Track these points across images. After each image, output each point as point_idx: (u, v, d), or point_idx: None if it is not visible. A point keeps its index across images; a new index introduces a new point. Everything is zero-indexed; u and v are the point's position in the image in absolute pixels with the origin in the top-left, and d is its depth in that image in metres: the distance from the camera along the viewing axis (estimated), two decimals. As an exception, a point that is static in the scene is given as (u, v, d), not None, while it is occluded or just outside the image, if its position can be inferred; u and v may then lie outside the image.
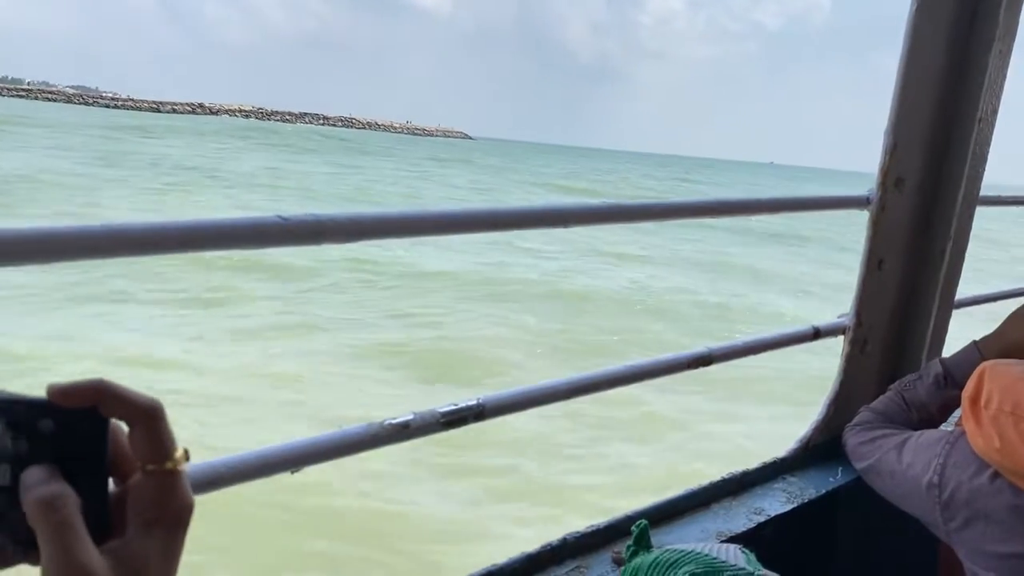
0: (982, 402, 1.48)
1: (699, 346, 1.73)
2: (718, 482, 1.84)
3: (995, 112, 2.02)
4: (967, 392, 1.53)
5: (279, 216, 1.03)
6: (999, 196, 2.43)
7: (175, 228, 0.94)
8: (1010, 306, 1.95)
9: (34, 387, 0.57)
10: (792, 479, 1.97)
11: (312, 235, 1.05)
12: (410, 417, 1.21)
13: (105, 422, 0.54)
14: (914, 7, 1.86)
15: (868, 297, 2.05)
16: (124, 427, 0.55)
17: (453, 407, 1.26)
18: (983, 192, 2.14)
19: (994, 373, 1.49)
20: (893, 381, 2.04)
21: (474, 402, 1.29)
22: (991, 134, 2.04)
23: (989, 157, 2.08)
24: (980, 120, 1.98)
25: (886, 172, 1.96)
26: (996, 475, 1.42)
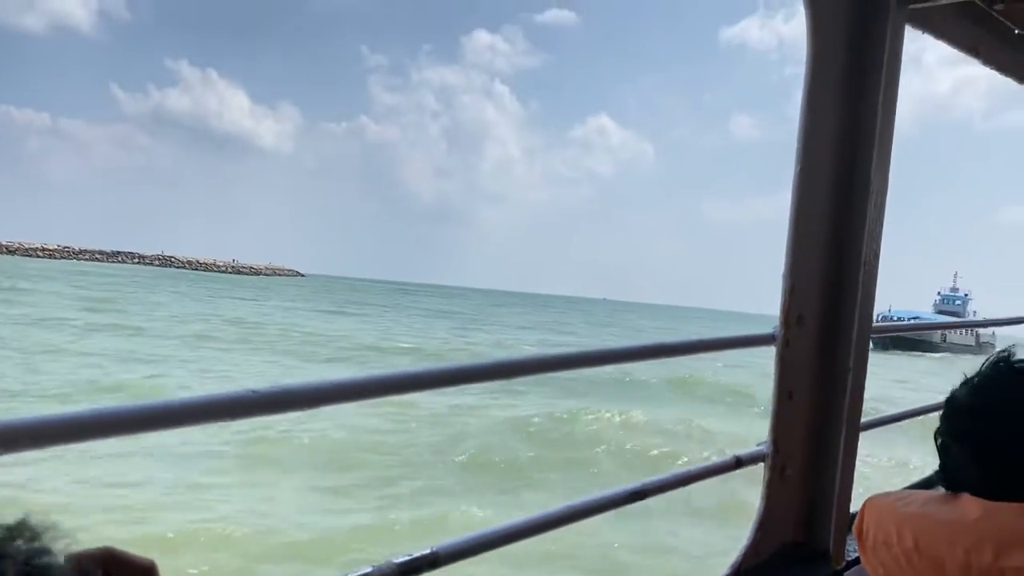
0: (864, 536, 1.62)
1: (634, 482, 1.84)
2: None
3: (877, 255, 2.28)
4: (855, 527, 1.66)
5: (250, 389, 1.13)
6: (891, 323, 2.68)
7: (157, 408, 1.03)
8: (910, 426, 2.14)
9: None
10: None
11: (281, 404, 1.15)
12: (368, 570, 1.27)
13: None
14: (798, 167, 2.13)
15: (782, 425, 2.22)
16: None
17: (408, 557, 1.33)
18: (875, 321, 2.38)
19: (871, 506, 1.63)
20: (811, 504, 2.18)
21: (428, 551, 1.36)
22: (876, 273, 2.30)
23: (879, 292, 2.32)
24: (865, 263, 2.23)
25: (788, 311, 2.18)
26: None
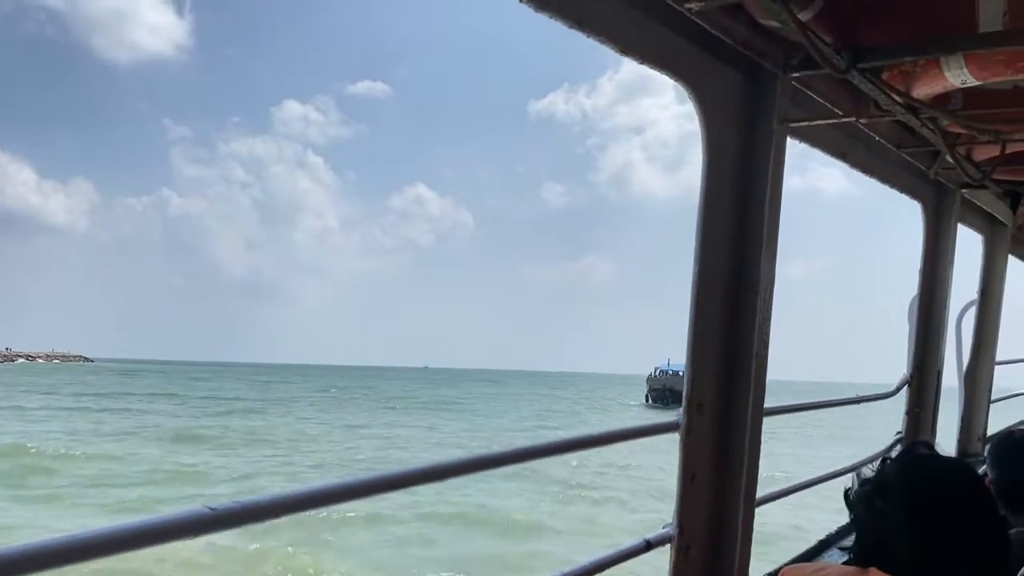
0: None
1: (552, 573, 1.93)
2: None
3: (766, 345, 2.49)
4: None
5: (208, 507, 1.17)
6: (783, 406, 2.92)
7: (110, 533, 1.07)
8: (804, 497, 2.32)
9: None
10: None
11: (239, 519, 1.20)
12: None
13: None
14: (696, 268, 2.33)
15: (687, 507, 2.38)
16: None
17: None
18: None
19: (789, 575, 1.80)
20: None
21: None
22: (766, 362, 2.51)
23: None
24: (756, 354, 2.45)
25: (690, 400, 2.35)
26: None
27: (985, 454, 2.70)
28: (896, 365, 3.99)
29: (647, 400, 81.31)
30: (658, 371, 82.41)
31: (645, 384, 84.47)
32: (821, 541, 3.67)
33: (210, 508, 1.18)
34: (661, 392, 76.98)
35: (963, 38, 2.20)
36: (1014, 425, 4.27)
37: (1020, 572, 2.09)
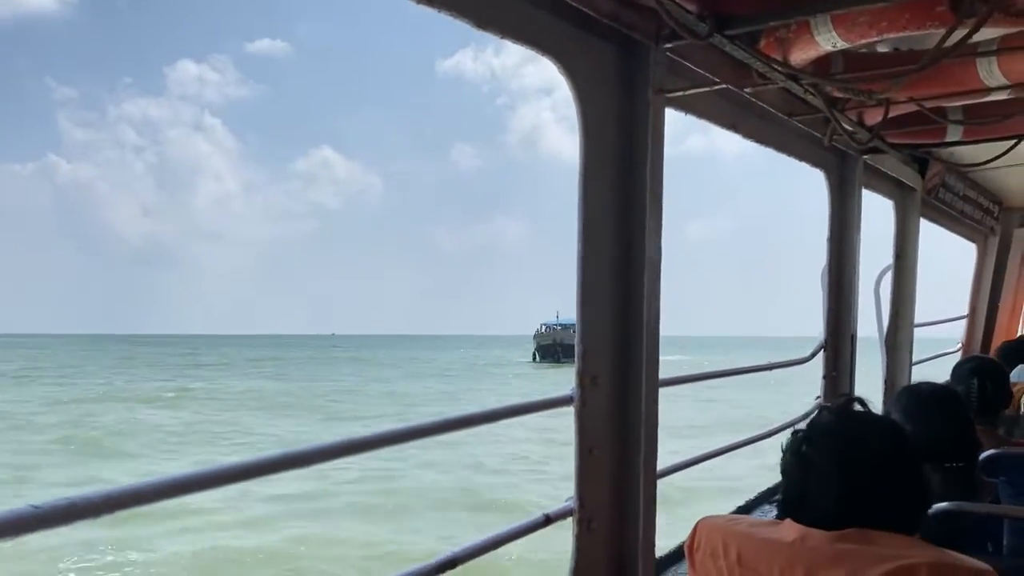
0: (694, 550, 1.80)
1: (442, 552, 1.93)
2: None
3: (658, 316, 2.51)
4: (687, 545, 1.84)
5: (31, 505, 1.14)
6: (680, 377, 2.94)
7: None
8: (707, 468, 2.35)
9: None
10: None
11: (65, 517, 1.17)
12: None
13: None
14: (580, 246, 2.33)
15: (585, 481, 2.38)
16: None
17: None
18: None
19: (704, 525, 1.83)
20: (619, 553, 2.35)
21: None
22: (658, 332, 2.53)
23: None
24: (647, 324, 2.46)
25: (582, 373, 2.36)
26: None
27: (889, 408, 2.76)
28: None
29: (534, 358, 78.40)
30: (544, 327, 79.58)
31: (533, 341, 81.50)
32: (753, 498, 3.74)
33: (33, 506, 1.15)
34: (550, 348, 74.75)
35: (823, 0, 2.23)
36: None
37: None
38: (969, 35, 2.01)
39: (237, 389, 47.69)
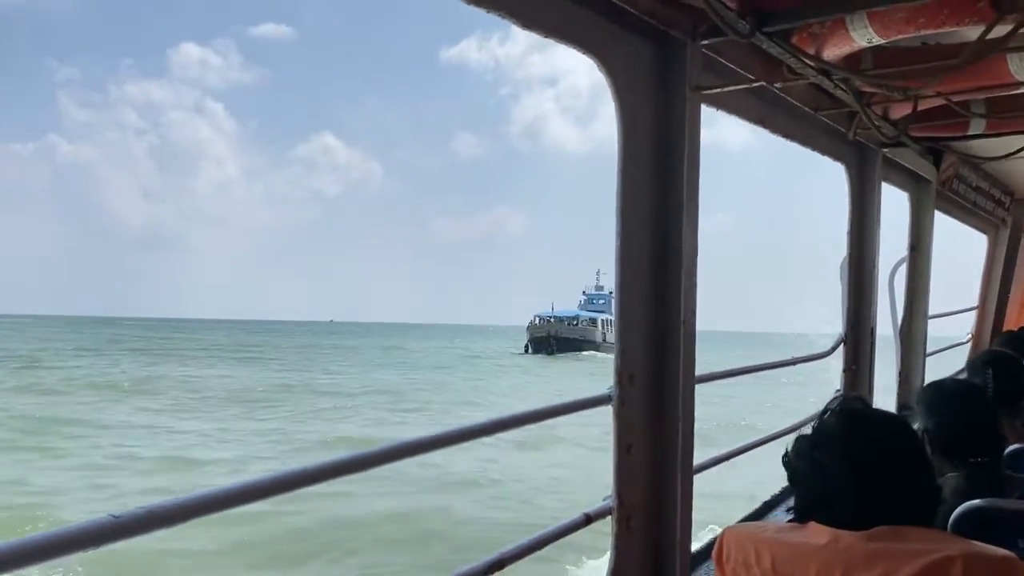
0: (724, 560, 1.81)
1: (491, 554, 1.93)
2: None
3: (694, 313, 2.51)
4: (714, 554, 1.85)
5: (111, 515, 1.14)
6: (715, 373, 2.94)
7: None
8: (741, 463, 2.36)
9: None
10: None
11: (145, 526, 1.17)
12: None
13: None
14: (619, 243, 2.33)
15: (624, 479, 2.38)
16: None
17: None
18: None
19: (731, 534, 1.83)
20: (656, 549, 2.35)
21: None
22: (695, 330, 2.53)
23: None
24: (684, 322, 2.46)
25: (620, 372, 2.36)
26: None
27: (915, 404, 2.77)
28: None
29: (526, 350, 74.73)
30: (538, 318, 76.41)
31: (526, 333, 78.19)
32: (766, 503, 3.74)
33: (114, 516, 1.14)
34: (543, 340, 71.31)
35: None
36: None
37: (952, 516, 2.17)
38: (1015, 31, 2.01)
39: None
